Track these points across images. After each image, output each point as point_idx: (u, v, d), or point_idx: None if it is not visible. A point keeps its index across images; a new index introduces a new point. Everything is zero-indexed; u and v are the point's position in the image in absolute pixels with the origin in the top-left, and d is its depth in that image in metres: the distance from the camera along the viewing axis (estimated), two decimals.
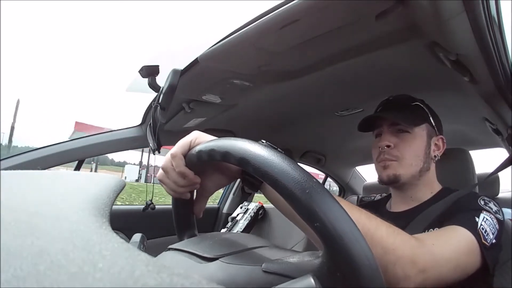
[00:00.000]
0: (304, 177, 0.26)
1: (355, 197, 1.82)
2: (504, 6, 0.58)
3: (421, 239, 0.45)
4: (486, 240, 0.52)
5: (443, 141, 0.74)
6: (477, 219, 0.53)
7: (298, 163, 0.30)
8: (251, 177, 0.41)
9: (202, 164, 0.38)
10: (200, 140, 0.38)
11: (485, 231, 0.52)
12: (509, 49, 0.67)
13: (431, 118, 0.72)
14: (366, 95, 1.11)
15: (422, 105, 0.73)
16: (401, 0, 0.59)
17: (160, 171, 0.41)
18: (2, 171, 0.22)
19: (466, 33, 0.57)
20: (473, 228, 0.52)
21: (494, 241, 0.53)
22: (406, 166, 0.68)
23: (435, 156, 0.71)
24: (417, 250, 0.42)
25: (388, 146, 0.69)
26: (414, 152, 0.68)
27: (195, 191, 0.44)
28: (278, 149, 0.32)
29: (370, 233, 0.37)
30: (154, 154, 1.09)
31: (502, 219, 0.58)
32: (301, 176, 0.26)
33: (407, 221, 0.62)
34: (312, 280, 0.24)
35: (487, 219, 0.54)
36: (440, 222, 0.58)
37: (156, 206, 1.57)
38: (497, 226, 0.55)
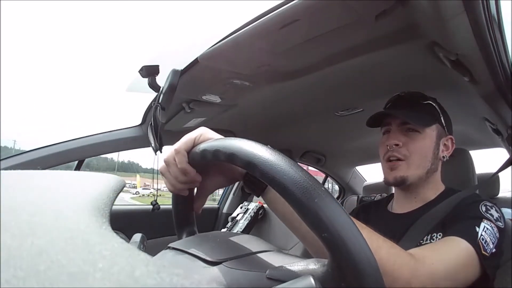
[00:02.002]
0: (313, 185, 0.26)
1: (355, 197, 1.82)
2: (504, 6, 0.58)
3: (421, 259, 0.45)
4: (486, 250, 0.51)
5: (452, 141, 0.72)
6: (477, 229, 0.53)
7: (299, 163, 0.29)
8: (253, 183, 0.40)
9: (205, 163, 0.37)
10: (205, 137, 0.38)
11: (485, 241, 0.52)
12: (509, 49, 0.67)
13: (442, 118, 0.70)
14: (366, 95, 1.11)
15: (434, 104, 0.70)
16: (401, 0, 0.59)
17: (163, 164, 0.40)
18: (2, 171, 0.22)
19: (466, 33, 0.57)
20: (473, 239, 0.51)
21: (494, 250, 0.53)
22: (413, 167, 0.66)
23: (443, 157, 0.70)
24: (415, 272, 0.42)
25: (397, 145, 0.67)
26: (423, 153, 0.66)
27: (195, 188, 0.44)
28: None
29: None
30: (156, 154, 1.09)
31: (502, 226, 0.57)
32: (310, 184, 0.26)
33: (409, 224, 0.61)
34: (312, 280, 0.24)
35: (487, 228, 0.54)
36: (443, 226, 0.58)
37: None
38: (497, 235, 0.55)
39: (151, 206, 1.30)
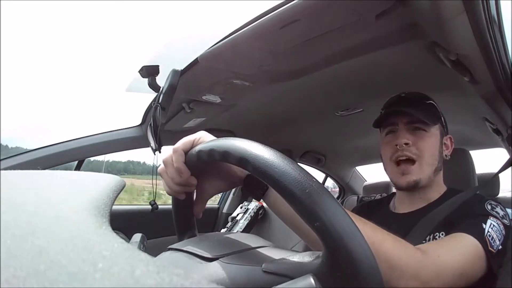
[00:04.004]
0: (303, 177, 0.26)
1: (355, 197, 1.82)
2: (504, 6, 0.58)
3: (426, 251, 0.44)
4: (492, 247, 0.51)
5: (451, 140, 0.73)
6: (484, 225, 0.53)
7: (298, 163, 0.30)
8: (253, 186, 0.41)
9: (202, 164, 0.38)
10: (204, 140, 0.38)
11: (492, 238, 0.52)
12: (509, 49, 0.67)
13: (442, 118, 0.71)
14: (366, 95, 1.11)
15: (435, 104, 0.71)
16: (401, 0, 0.59)
17: (161, 165, 0.41)
18: (2, 171, 0.22)
19: (466, 33, 0.57)
20: (480, 235, 0.51)
21: (500, 247, 0.52)
22: (425, 168, 0.65)
23: (445, 156, 0.70)
24: (421, 264, 0.42)
25: (407, 144, 0.65)
26: (431, 151, 0.66)
27: (195, 192, 0.44)
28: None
29: (375, 247, 0.37)
30: (155, 154, 1.09)
31: (508, 224, 0.57)
32: (301, 175, 0.26)
33: (412, 223, 0.61)
34: (312, 280, 0.24)
35: (494, 225, 0.54)
36: (445, 225, 0.57)
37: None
38: (503, 232, 0.55)
39: (150, 206, 1.30)
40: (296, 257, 0.31)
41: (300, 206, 0.26)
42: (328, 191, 0.26)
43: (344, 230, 0.24)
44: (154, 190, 1.21)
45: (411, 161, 0.65)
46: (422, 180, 0.65)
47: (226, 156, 0.31)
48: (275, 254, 0.33)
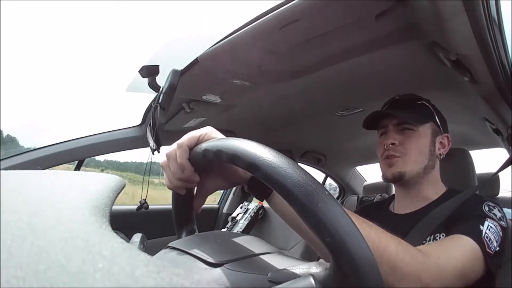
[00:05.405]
0: (316, 189, 0.26)
1: (355, 197, 1.82)
2: (504, 6, 0.58)
3: (428, 254, 0.45)
4: (490, 248, 0.52)
5: (448, 139, 0.74)
6: (481, 227, 0.54)
7: (299, 163, 0.29)
8: (258, 188, 0.40)
9: (206, 163, 0.37)
10: (210, 136, 0.37)
11: (489, 239, 0.53)
12: (509, 49, 0.67)
13: (436, 117, 0.72)
14: (366, 95, 1.11)
15: (427, 104, 0.73)
16: (401, 0, 0.60)
17: (164, 158, 0.40)
18: (2, 171, 0.22)
19: (466, 33, 0.57)
20: (477, 237, 0.52)
21: (497, 248, 0.53)
22: (410, 163, 0.68)
23: (440, 154, 0.72)
24: (423, 266, 0.42)
25: (393, 144, 0.69)
26: (419, 149, 0.68)
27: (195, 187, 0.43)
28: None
29: (379, 251, 0.38)
30: (153, 154, 1.09)
31: (505, 225, 0.58)
32: (313, 187, 0.26)
33: (412, 224, 0.62)
34: (312, 280, 0.24)
35: (491, 227, 0.55)
36: (445, 226, 0.58)
37: (156, 206, 1.57)
38: (500, 233, 0.56)
39: (150, 206, 1.29)
40: (303, 267, 0.30)
41: (310, 219, 0.25)
42: (340, 204, 0.26)
43: (355, 248, 0.24)
44: (146, 189, 1.17)
45: (396, 156, 0.69)
46: (407, 173, 0.68)
47: (234, 159, 0.30)
48: (281, 262, 0.32)
